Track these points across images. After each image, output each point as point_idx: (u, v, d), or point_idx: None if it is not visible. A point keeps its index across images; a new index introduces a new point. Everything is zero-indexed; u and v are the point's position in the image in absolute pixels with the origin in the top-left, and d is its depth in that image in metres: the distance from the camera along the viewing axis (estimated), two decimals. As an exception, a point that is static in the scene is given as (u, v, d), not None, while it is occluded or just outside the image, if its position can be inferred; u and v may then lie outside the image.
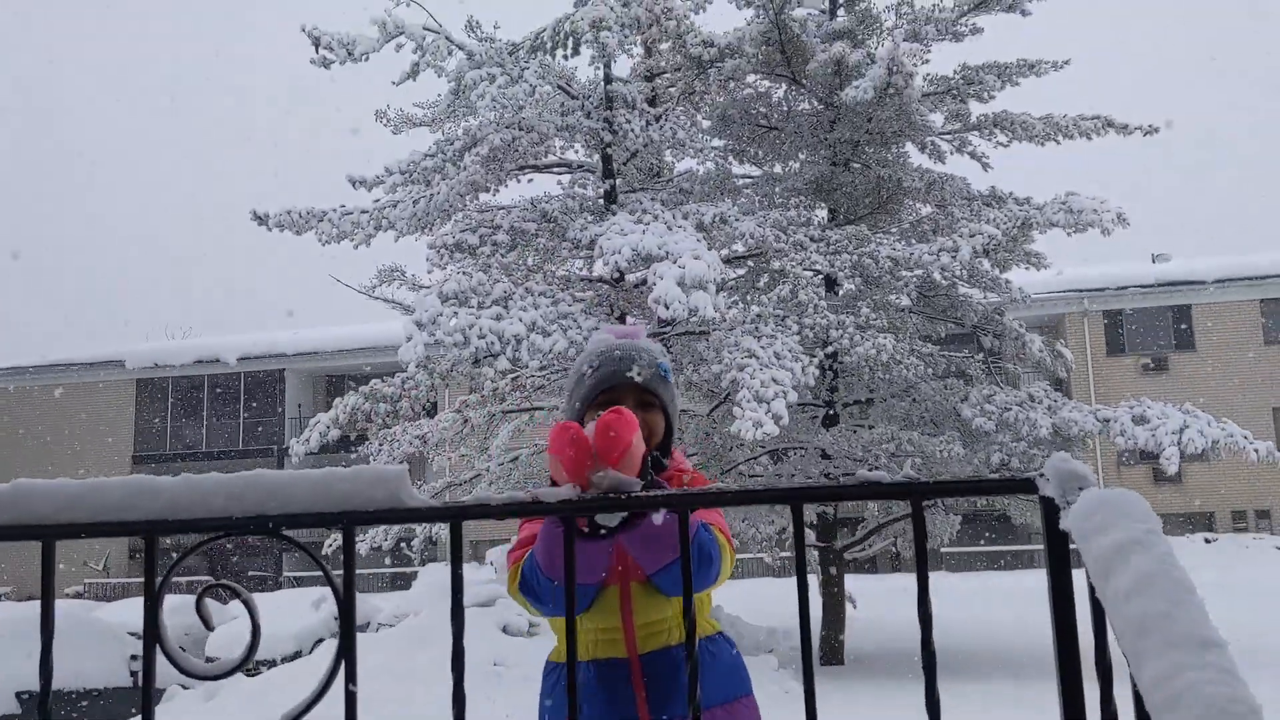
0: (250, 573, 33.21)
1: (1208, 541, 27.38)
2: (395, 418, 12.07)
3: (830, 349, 11.37)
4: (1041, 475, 1.23)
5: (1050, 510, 1.23)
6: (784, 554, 23.08)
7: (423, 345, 9.74)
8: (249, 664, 1.28)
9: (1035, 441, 11.65)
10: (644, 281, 11.08)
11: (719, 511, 2.14)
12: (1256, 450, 10.66)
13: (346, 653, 1.26)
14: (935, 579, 23.49)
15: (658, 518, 1.82)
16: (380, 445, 15.46)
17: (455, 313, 10.05)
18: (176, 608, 19.29)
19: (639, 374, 2.14)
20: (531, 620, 9.39)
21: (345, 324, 32.87)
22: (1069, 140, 14.29)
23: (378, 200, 12.90)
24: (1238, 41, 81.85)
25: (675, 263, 10.14)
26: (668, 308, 9.58)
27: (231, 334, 35.70)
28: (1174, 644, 0.92)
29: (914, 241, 13.02)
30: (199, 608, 1.28)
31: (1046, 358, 14.36)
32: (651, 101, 14.74)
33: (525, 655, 9.08)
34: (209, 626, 1.28)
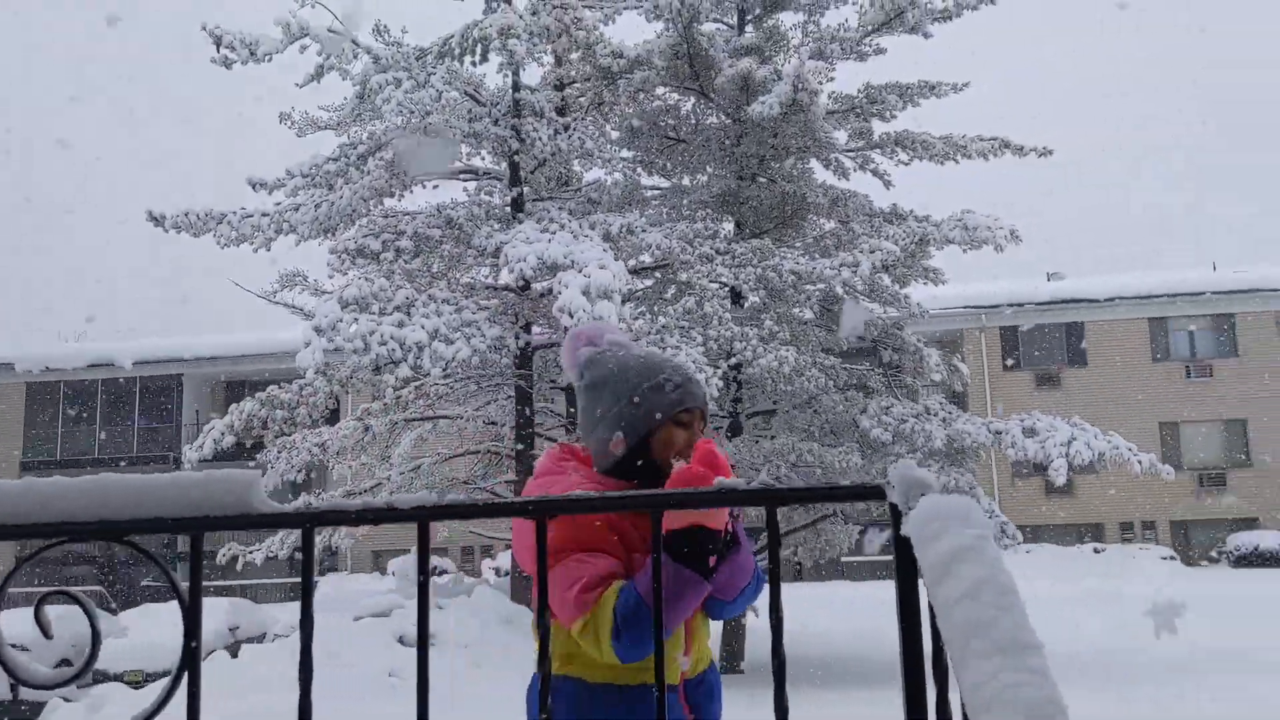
0: (144, 582, 32.22)
1: (1096, 551, 28.28)
2: (293, 425, 11.84)
3: (734, 360, 11.48)
4: (888, 482, 1.27)
5: (896, 516, 1.26)
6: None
7: (321, 351, 9.58)
8: (86, 675, 1.25)
9: (930, 453, 11.92)
10: (550, 290, 11.06)
11: None
12: (1140, 462, 11.05)
13: (190, 663, 1.24)
14: (833, 588, 23.94)
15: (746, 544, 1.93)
16: (279, 453, 15.16)
17: (356, 319, 9.92)
18: (62, 616, 18.65)
19: (703, 400, 2.18)
20: (432, 630, 9.29)
21: (247, 330, 32.17)
22: (967, 160, 14.70)
23: (279, 203, 12.67)
24: (1138, 63, 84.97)
25: (581, 272, 10.15)
26: (572, 316, 9.57)
27: (128, 339, 34.66)
28: (995, 649, 0.96)
29: (817, 256, 13.23)
30: (37, 617, 1.25)
31: (943, 372, 14.69)
32: (561, 111, 14.76)
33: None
34: (47, 635, 1.24)
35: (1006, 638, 0.96)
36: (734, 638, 14.18)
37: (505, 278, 11.53)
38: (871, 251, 11.68)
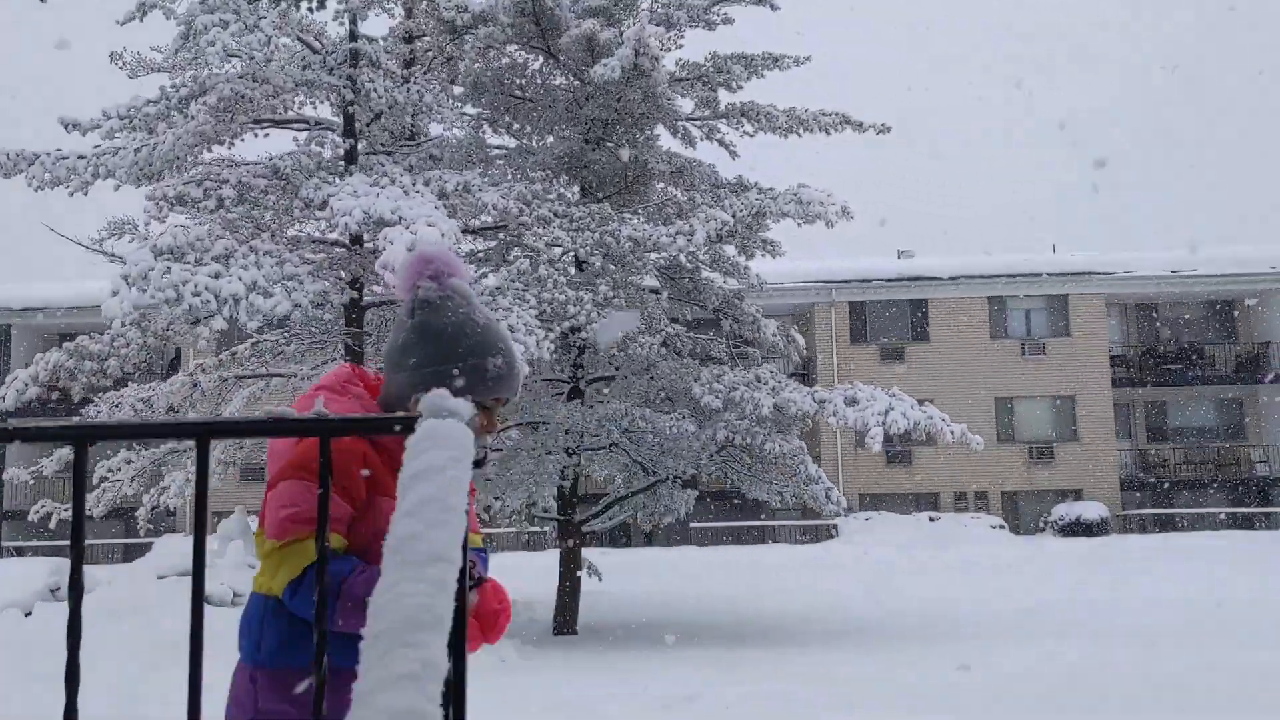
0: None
1: (931, 520, 29.41)
2: (104, 376, 11.33)
3: (568, 324, 11.47)
4: (420, 415, 1.26)
5: (427, 447, 1.25)
6: (532, 528, 23.22)
7: (129, 301, 9.19)
8: None
9: (759, 420, 12.15)
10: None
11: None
12: (953, 432, 11.48)
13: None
14: (679, 552, 24.25)
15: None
16: (104, 409, 14.56)
17: (169, 269, 9.53)
18: None
19: (515, 391, 2.15)
20: (236, 590, 9.05)
21: (83, 280, 30.67)
22: (809, 134, 14.95)
23: (97, 146, 12.06)
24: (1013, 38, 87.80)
25: (408, 229, 9.96)
26: (394, 273, 9.38)
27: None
28: (409, 561, 0.95)
29: (659, 224, 13.30)
30: None
31: (780, 341, 14.99)
32: (409, 64, 14.42)
33: (228, 625, 8.74)
34: None
35: (423, 551, 0.95)
36: (569, 600, 14.26)
37: (334, 233, 11.26)
38: (707, 221, 11.79)
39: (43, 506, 14.37)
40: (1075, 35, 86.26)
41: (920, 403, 12.10)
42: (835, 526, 29.73)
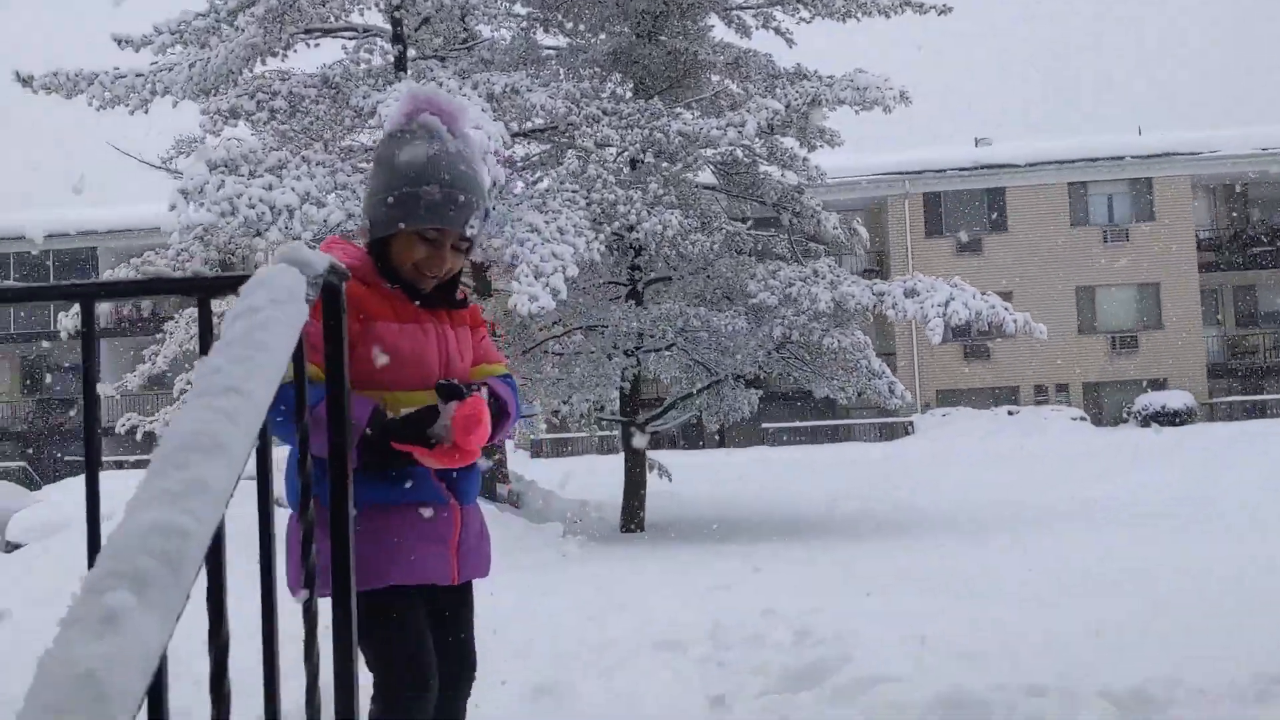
0: (67, 457, 32.03)
1: (1010, 414, 29.07)
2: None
3: (618, 224, 11.42)
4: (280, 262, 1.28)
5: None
6: (601, 432, 23.43)
7: (186, 216, 9.38)
8: None
9: (815, 315, 12.04)
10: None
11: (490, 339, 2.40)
12: (1015, 320, 11.26)
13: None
14: (752, 453, 24.37)
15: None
16: (181, 323, 14.95)
17: (223, 181, 9.69)
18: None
19: (473, 229, 2.15)
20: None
21: (160, 200, 31.36)
22: (867, 17, 14.48)
23: (153, 63, 12.21)
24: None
25: (454, 132, 9.96)
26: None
27: (36, 209, 33.66)
28: (203, 391, 0.98)
29: (712, 117, 13.08)
30: None
31: (842, 235, 14.75)
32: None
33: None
34: None
35: (219, 383, 0.98)
36: (634, 499, 14.46)
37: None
38: (758, 110, 11.55)
39: (129, 420, 14.94)
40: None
41: (996, 295, 11.85)
42: (911, 424, 29.57)
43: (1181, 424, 28.18)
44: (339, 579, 1.39)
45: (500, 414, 2.19)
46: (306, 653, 1.25)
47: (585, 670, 3.48)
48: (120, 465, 30.36)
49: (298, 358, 1.26)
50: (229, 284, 1.54)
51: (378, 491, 2.06)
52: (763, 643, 3.72)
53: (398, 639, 2.07)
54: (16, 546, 13.34)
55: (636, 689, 3.19)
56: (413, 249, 2.12)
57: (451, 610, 2.23)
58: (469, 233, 2.15)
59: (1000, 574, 6.33)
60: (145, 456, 27.49)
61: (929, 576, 6.40)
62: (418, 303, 2.18)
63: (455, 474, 2.16)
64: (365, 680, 1.69)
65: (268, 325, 1.06)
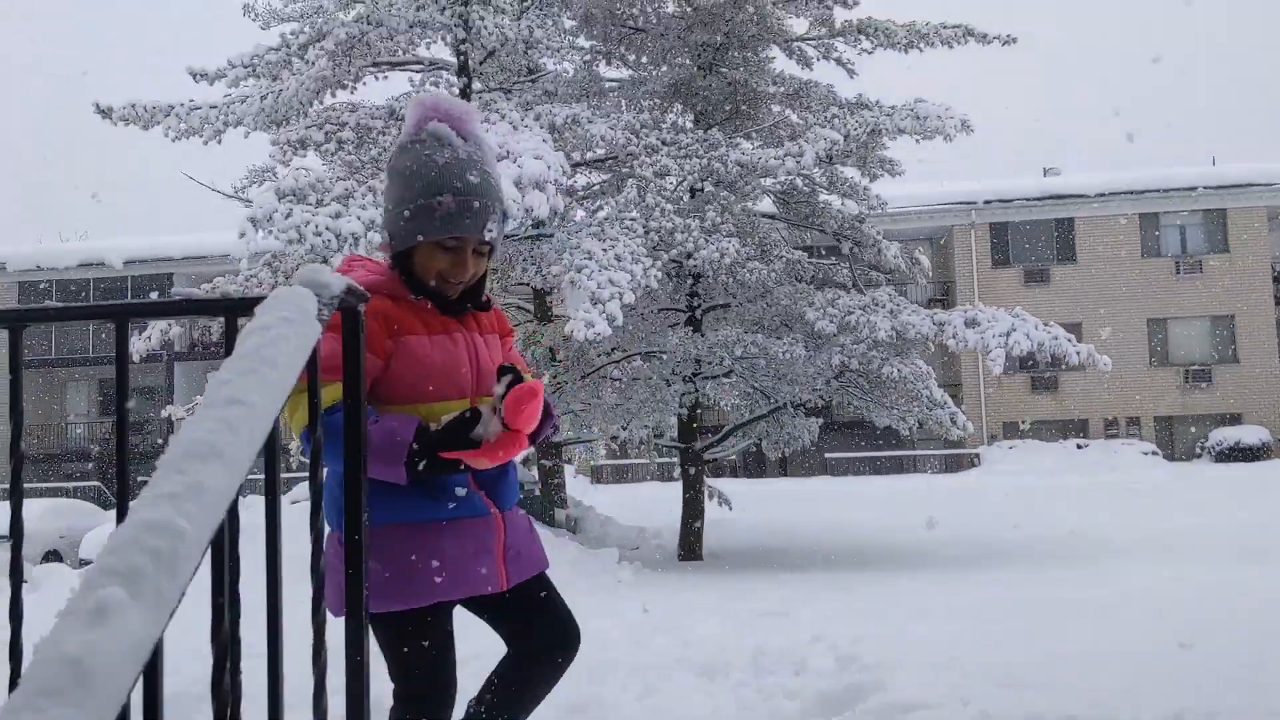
0: (140, 478, 32.82)
1: (1079, 447, 28.52)
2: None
3: (675, 252, 11.49)
4: (290, 282, 1.34)
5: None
6: (661, 459, 23.43)
7: (255, 244, 9.64)
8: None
9: (875, 344, 11.98)
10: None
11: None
12: (1079, 353, 11.10)
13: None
14: (815, 482, 24.17)
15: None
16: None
17: (291, 210, 9.94)
18: (56, 509, 19.12)
19: (491, 234, 2.16)
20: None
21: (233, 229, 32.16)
22: (930, 48, 14.45)
23: (226, 95, 12.59)
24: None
25: (515, 162, 10.12)
26: (501, 206, 9.57)
27: (118, 236, 34.72)
28: (210, 403, 1.04)
29: (772, 147, 13.13)
30: None
31: (903, 263, 14.67)
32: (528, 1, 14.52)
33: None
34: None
35: (224, 394, 1.04)
36: (692, 526, 14.44)
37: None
38: (816, 140, 11.58)
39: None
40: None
41: (1060, 326, 11.70)
42: (977, 455, 29.15)
43: (1256, 459, 27.43)
44: (352, 593, 1.44)
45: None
46: (315, 656, 1.30)
47: (622, 689, 3.50)
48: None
49: (314, 373, 1.32)
50: (252, 304, 1.62)
51: (420, 510, 2.09)
52: (805, 668, 3.72)
53: (430, 652, 2.10)
54: (87, 563, 13.72)
55: (672, 710, 3.21)
56: (434, 259, 2.15)
57: (529, 599, 2.26)
58: (488, 237, 2.15)
59: (1056, 605, 6.23)
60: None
61: (984, 607, 6.31)
62: (440, 310, 2.22)
63: (494, 482, 2.19)
64: (380, 690, 1.74)
65: (276, 342, 1.12)
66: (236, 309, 1.41)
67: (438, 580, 2.08)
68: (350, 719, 1.40)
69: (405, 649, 2.09)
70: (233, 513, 1.07)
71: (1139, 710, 2.76)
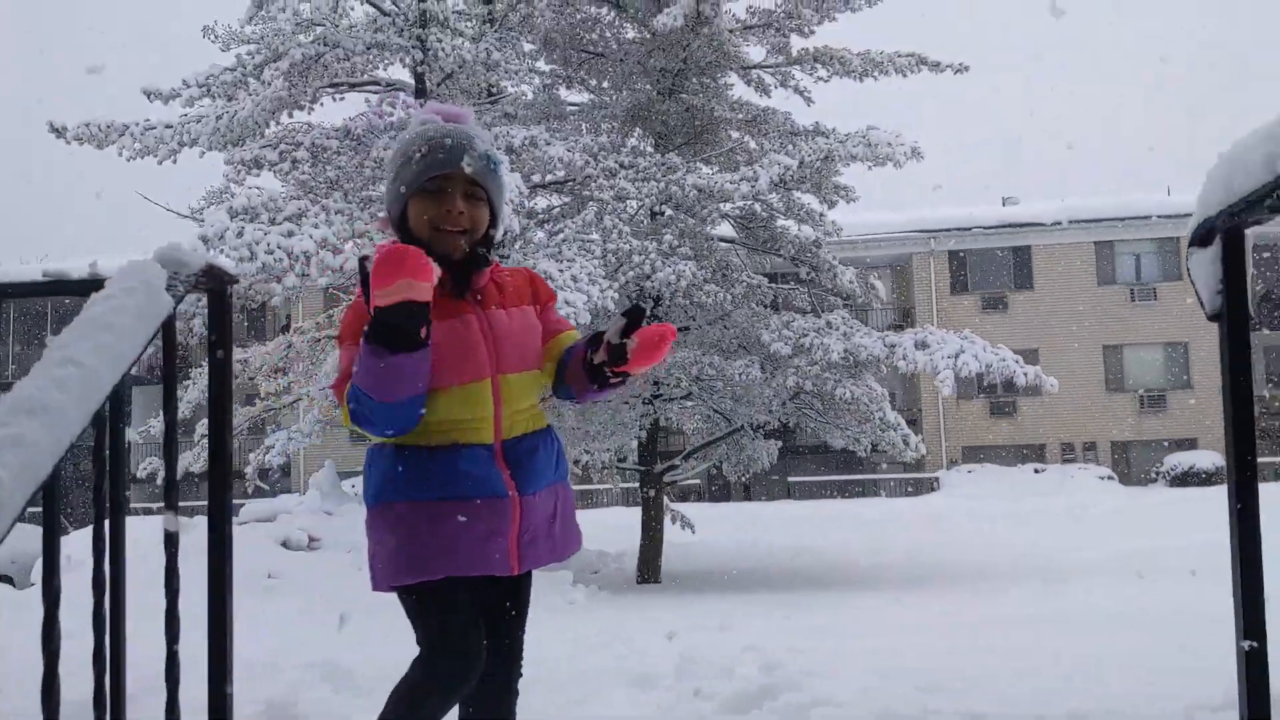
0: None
1: (1037, 471, 28.80)
2: (190, 335, 11.89)
3: (633, 274, 11.55)
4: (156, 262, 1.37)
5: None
6: (624, 483, 23.38)
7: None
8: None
9: (828, 365, 12.08)
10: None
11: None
12: (1026, 374, 11.24)
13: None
14: (777, 506, 24.19)
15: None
16: (206, 369, 15.19)
17: (243, 229, 9.92)
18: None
19: (470, 165, 2.12)
20: (312, 535, 9.47)
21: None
22: (885, 76, 14.67)
23: (182, 115, 12.57)
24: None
25: (469, 183, 10.16)
26: (455, 226, 9.61)
27: (80, 257, 34.36)
28: (45, 363, 1.06)
29: (729, 172, 13.26)
30: None
31: (857, 289, 14.82)
32: (489, 23, 14.60)
33: (303, 568, 9.17)
34: None
35: (58, 356, 1.07)
36: (651, 549, 14.44)
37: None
38: (770, 166, 11.71)
39: (149, 464, 15.15)
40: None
41: (1008, 349, 11.84)
42: (937, 479, 29.34)
43: (1210, 484, 27.79)
44: (214, 575, 1.46)
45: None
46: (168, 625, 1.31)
47: (550, 698, 3.52)
48: (147, 512, 30.65)
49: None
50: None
51: (437, 489, 2.11)
52: (732, 675, 3.75)
53: (449, 622, 2.11)
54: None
55: (596, 715, 3.23)
56: (422, 209, 2.13)
57: (509, 601, 2.26)
58: (466, 169, 2.12)
59: (998, 621, 6.29)
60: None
61: (926, 623, 6.37)
62: (453, 292, 2.16)
63: (521, 462, 2.17)
64: (254, 658, 1.75)
65: (117, 311, 1.15)
66: (96, 287, 1.44)
67: (449, 556, 2.09)
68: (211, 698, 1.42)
69: (420, 621, 2.14)
70: (57, 468, 1.09)
71: (1044, 709, 2.81)
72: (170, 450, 1.32)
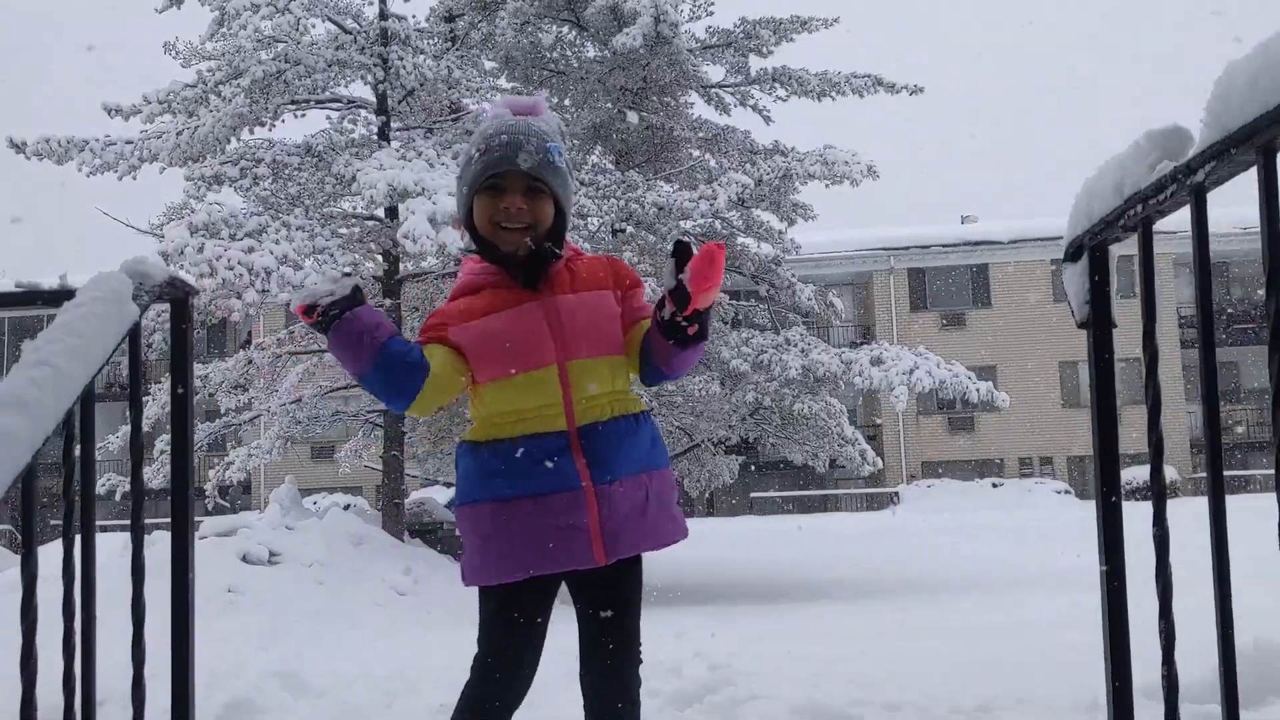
0: (53, 521, 31.97)
1: (995, 486, 29.14)
2: (149, 350, 11.88)
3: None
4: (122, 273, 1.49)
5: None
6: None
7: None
8: None
9: (786, 381, 12.27)
10: (410, 219, 11.13)
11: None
12: (978, 390, 11.48)
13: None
14: (740, 521, 24.26)
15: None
16: (165, 385, 15.16)
17: (203, 244, 9.96)
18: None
19: (525, 161, 2.10)
20: (272, 550, 9.48)
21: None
22: (842, 96, 14.95)
23: (143, 131, 12.57)
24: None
25: (430, 199, 10.26)
26: (415, 242, 9.71)
27: (40, 274, 34.05)
28: (23, 364, 1.18)
29: (689, 190, 13.45)
30: None
31: (816, 306, 15.04)
32: (452, 41, 14.72)
33: (263, 582, 9.18)
34: None
35: (32, 358, 1.18)
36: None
37: (361, 205, 11.62)
38: (729, 184, 11.91)
39: (108, 480, 15.07)
40: None
41: (962, 366, 12.08)
42: (896, 494, 29.63)
43: (1169, 499, 28.22)
44: (177, 572, 1.57)
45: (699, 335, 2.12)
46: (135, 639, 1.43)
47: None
48: (104, 529, 30.27)
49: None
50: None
51: (508, 485, 2.10)
52: (679, 675, 3.86)
53: (504, 644, 2.14)
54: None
55: (540, 713, 3.34)
56: (486, 209, 2.14)
57: (607, 600, 2.21)
58: (523, 165, 2.10)
59: (943, 629, 6.46)
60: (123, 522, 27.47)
61: (873, 631, 6.52)
62: (523, 282, 2.17)
63: (606, 450, 2.13)
64: (214, 667, 1.85)
65: (86, 317, 1.27)
66: (69, 298, 1.55)
67: (524, 556, 2.08)
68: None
69: (483, 629, 2.16)
70: (33, 461, 1.20)
71: (958, 698, 2.96)
72: (136, 454, 1.44)
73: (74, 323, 1.22)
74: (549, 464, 2.10)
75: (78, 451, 1.44)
